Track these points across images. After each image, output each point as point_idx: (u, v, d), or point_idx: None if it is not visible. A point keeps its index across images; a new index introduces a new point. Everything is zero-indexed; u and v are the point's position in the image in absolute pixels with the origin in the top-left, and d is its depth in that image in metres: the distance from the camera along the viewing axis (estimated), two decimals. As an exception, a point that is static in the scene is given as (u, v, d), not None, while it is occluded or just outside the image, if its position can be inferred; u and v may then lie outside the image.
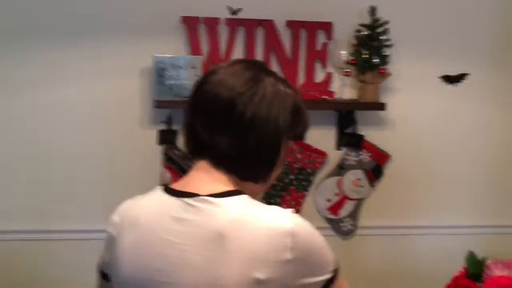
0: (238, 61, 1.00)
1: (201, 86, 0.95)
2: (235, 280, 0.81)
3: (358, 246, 2.30)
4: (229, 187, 0.91)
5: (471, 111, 2.27)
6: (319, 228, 2.38)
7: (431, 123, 2.26)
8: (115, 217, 0.96)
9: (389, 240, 2.31)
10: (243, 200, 0.88)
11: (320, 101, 2.09)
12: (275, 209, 0.87)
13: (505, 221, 2.35)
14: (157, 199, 0.93)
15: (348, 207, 2.25)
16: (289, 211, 0.86)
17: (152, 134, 2.07)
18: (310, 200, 2.24)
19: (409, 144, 2.25)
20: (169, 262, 0.86)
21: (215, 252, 0.83)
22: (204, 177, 0.93)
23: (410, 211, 2.31)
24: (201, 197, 0.88)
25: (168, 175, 2.04)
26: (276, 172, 0.99)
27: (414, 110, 2.23)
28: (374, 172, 2.23)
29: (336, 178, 2.23)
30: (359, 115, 2.18)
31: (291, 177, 2.20)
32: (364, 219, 2.28)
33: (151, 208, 0.93)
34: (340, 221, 2.25)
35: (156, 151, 2.08)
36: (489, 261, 1.12)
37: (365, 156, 2.22)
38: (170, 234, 0.87)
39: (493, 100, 2.28)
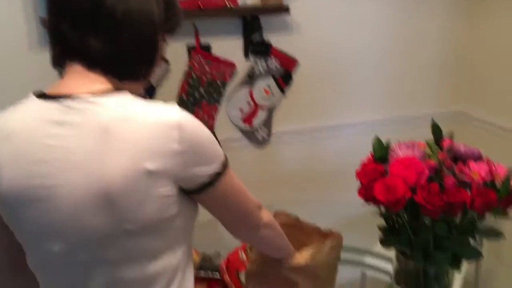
0: None
1: None
2: (122, 173, 0.79)
3: (273, 153, 2.34)
4: (108, 86, 0.88)
5: (374, 11, 2.29)
6: (234, 139, 2.37)
7: (335, 24, 2.26)
8: None
9: (303, 144, 2.37)
10: (126, 98, 0.85)
11: (223, 8, 2.01)
12: (161, 104, 0.85)
13: (407, 112, 2.49)
14: (32, 106, 0.87)
15: (261, 116, 2.25)
16: (175, 106, 0.85)
17: (43, 56, 1.89)
18: (223, 112, 2.22)
19: (316, 47, 2.25)
20: (53, 166, 0.83)
21: (100, 149, 0.80)
22: (80, 79, 0.87)
23: (321, 113, 2.36)
24: (80, 98, 0.84)
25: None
26: (156, 68, 0.96)
27: (318, 12, 2.21)
28: (284, 78, 2.23)
29: (247, 87, 2.21)
30: (264, 21, 2.12)
31: (201, 91, 2.14)
32: (277, 126, 2.31)
33: (25, 117, 0.87)
34: (255, 131, 2.26)
35: (50, 74, 1.91)
36: (393, 144, 1.16)
37: (273, 63, 2.20)
38: (51, 139, 0.83)
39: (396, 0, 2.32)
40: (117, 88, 0.88)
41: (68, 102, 0.84)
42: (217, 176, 0.89)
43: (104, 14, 0.84)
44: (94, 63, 0.87)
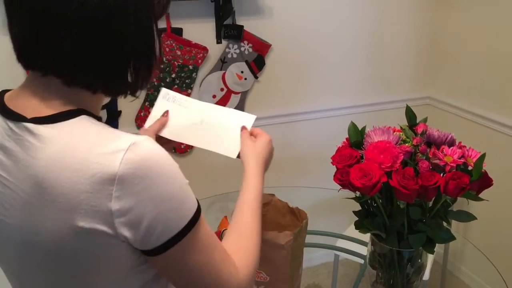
0: None
1: None
2: (54, 232, 0.68)
3: (247, 138, 2.33)
4: (63, 104, 0.71)
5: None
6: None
7: (308, 8, 2.25)
8: None
9: (276, 129, 2.36)
10: (76, 127, 0.69)
11: (195, -9, 1.97)
12: (112, 142, 0.67)
13: (380, 98, 2.52)
14: None
15: (234, 101, 2.24)
16: (131, 143, 0.67)
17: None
18: (195, 97, 2.18)
19: (288, 31, 2.24)
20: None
21: (34, 201, 0.68)
22: (35, 91, 0.72)
23: (295, 98, 2.36)
24: (23, 123, 0.70)
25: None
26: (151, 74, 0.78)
27: (290, -4, 2.20)
28: (257, 63, 2.21)
29: (219, 72, 2.19)
30: (236, 4, 2.10)
31: (173, 76, 2.11)
32: (250, 111, 2.28)
33: None
34: (227, 116, 2.24)
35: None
36: (368, 130, 1.17)
37: (246, 47, 2.18)
38: None
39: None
40: (81, 103, 0.74)
41: (12, 124, 0.71)
42: (178, 237, 0.72)
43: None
44: (70, 78, 0.72)
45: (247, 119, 1.17)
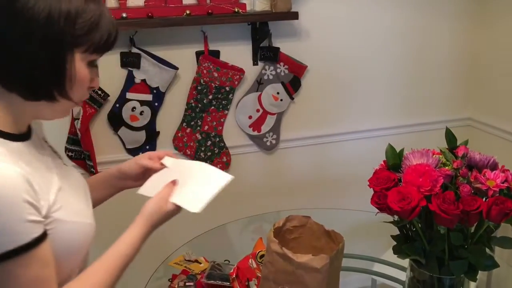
0: None
1: None
2: None
3: (282, 158, 2.33)
4: None
5: (384, 16, 2.28)
6: (243, 145, 2.34)
7: (344, 30, 2.25)
8: None
9: (312, 149, 2.36)
10: None
11: (232, 14, 2.00)
12: None
13: (417, 120, 2.47)
14: None
15: (269, 121, 2.24)
16: None
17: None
18: (231, 118, 2.21)
19: (325, 53, 2.24)
20: None
21: None
22: None
23: (330, 119, 2.35)
24: None
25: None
26: (77, 92, 0.87)
27: (327, 18, 2.21)
28: (292, 84, 2.22)
29: (256, 94, 2.20)
30: (273, 26, 2.12)
31: (210, 97, 2.13)
32: (286, 132, 2.29)
33: None
34: (263, 137, 2.25)
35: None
36: (406, 152, 1.15)
37: (282, 69, 2.19)
38: None
39: (407, 5, 2.29)
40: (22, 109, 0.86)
41: None
42: None
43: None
44: None
45: (222, 178, 1.09)
